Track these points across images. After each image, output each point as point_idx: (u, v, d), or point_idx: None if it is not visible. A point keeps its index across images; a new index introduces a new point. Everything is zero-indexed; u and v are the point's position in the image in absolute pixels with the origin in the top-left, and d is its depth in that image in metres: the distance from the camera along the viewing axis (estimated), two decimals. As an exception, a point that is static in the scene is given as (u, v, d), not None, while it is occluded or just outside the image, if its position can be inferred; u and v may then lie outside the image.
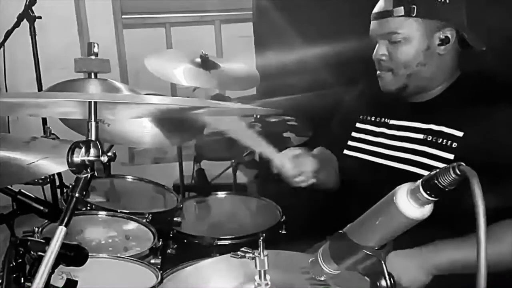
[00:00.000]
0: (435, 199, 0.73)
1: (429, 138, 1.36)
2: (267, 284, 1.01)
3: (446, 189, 0.71)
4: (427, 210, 0.75)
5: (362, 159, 1.51)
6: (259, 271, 1.01)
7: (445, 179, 0.70)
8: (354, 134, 1.57)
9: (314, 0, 2.51)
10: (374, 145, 1.50)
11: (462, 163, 0.70)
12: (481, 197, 0.65)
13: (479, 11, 1.41)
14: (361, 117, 1.57)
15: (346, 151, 1.58)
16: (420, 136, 1.38)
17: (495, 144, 1.25)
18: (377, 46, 1.40)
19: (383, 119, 1.51)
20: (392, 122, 1.48)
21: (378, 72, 1.43)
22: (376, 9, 1.39)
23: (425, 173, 1.32)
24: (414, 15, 1.31)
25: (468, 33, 1.35)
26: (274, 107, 1.14)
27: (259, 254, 1.00)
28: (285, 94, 2.43)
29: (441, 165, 1.31)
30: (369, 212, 0.83)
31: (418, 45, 1.33)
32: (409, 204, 0.75)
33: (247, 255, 1.02)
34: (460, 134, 1.31)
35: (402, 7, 1.31)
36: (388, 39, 1.36)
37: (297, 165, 1.42)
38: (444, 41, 1.33)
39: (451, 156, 1.31)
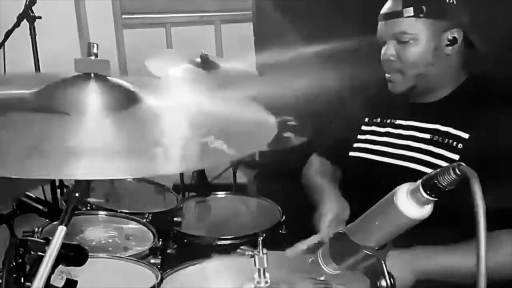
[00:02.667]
0: (435, 199, 0.73)
1: (435, 138, 1.37)
2: (266, 282, 1.01)
3: (446, 189, 0.71)
4: (427, 210, 0.75)
5: (368, 159, 1.51)
6: (259, 269, 1.01)
7: (445, 179, 0.70)
8: (359, 136, 1.57)
9: (314, 0, 2.51)
10: (379, 144, 1.50)
11: (462, 163, 0.70)
12: (481, 197, 0.65)
13: (484, 13, 1.42)
14: (366, 119, 1.58)
15: (351, 153, 1.57)
16: (427, 135, 1.39)
17: (499, 147, 1.25)
18: (385, 46, 1.40)
19: (388, 120, 1.51)
20: (398, 121, 1.48)
21: (387, 75, 1.44)
22: (384, 10, 1.40)
23: (430, 171, 1.33)
24: (423, 15, 1.32)
25: (474, 34, 1.36)
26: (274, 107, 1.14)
27: (258, 252, 1.00)
28: (285, 94, 2.43)
29: (445, 164, 1.31)
30: (369, 212, 0.83)
31: (427, 45, 1.34)
32: (409, 204, 0.75)
33: (246, 253, 1.02)
34: (466, 136, 1.32)
35: (411, 8, 1.33)
36: (397, 39, 1.37)
37: (336, 224, 1.39)
38: (452, 41, 1.34)
39: (456, 157, 1.31)
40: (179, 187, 2.80)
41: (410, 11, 1.33)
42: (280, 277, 1.09)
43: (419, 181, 0.74)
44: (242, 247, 1.04)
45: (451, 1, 1.33)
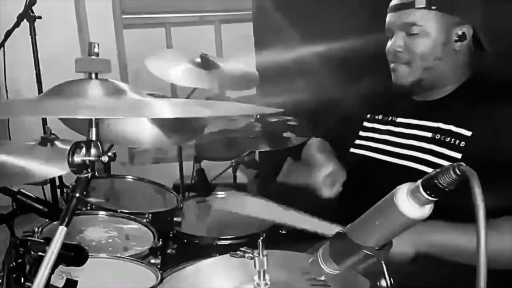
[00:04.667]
0: (435, 199, 0.73)
1: (437, 136, 1.36)
2: (266, 284, 1.01)
3: (446, 189, 0.71)
4: (427, 210, 0.75)
5: (369, 157, 1.51)
6: (259, 271, 1.01)
7: (445, 179, 0.70)
8: (361, 133, 1.57)
9: (314, 0, 2.51)
10: (380, 142, 1.50)
11: (462, 163, 0.70)
12: (481, 197, 0.65)
13: (491, 12, 1.41)
14: (368, 116, 1.57)
15: (352, 149, 1.58)
16: (428, 134, 1.38)
17: (503, 144, 1.25)
18: (393, 38, 1.40)
19: (389, 117, 1.51)
20: (399, 120, 1.48)
21: (392, 65, 1.42)
22: (394, 1, 1.40)
23: (431, 171, 1.33)
24: (434, 8, 1.32)
25: (483, 33, 1.36)
26: (274, 107, 1.14)
27: (258, 254, 1.00)
28: (285, 94, 2.43)
29: (448, 163, 1.31)
30: (369, 212, 0.83)
31: (436, 38, 1.34)
32: (409, 204, 0.75)
33: (246, 255, 1.02)
34: (468, 133, 1.31)
35: None
36: (406, 30, 1.36)
37: (332, 183, 1.47)
38: (461, 37, 1.34)
39: (458, 155, 1.31)
40: (179, 187, 2.81)
41: (422, 2, 1.32)
42: (279, 278, 1.09)
43: (419, 181, 0.74)
44: (242, 248, 1.03)
45: None
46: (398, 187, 0.77)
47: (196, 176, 2.36)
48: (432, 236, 1.23)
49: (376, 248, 0.82)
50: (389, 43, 1.41)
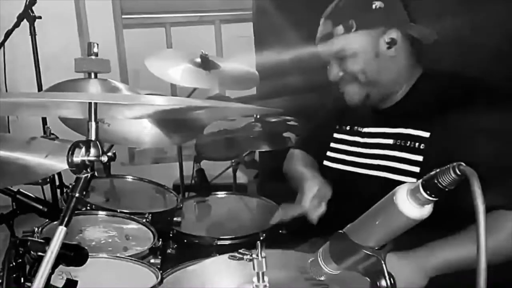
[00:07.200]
0: (435, 199, 0.73)
1: (398, 142, 1.36)
2: (265, 286, 1.00)
3: (446, 189, 0.71)
4: (427, 210, 0.75)
5: (341, 170, 1.52)
6: (257, 273, 1.00)
7: (445, 179, 0.70)
8: (332, 144, 1.58)
9: (314, 0, 2.51)
10: (350, 155, 1.51)
11: (462, 163, 0.70)
12: (481, 197, 0.65)
13: (417, 5, 1.40)
14: (337, 127, 1.58)
15: (326, 162, 1.58)
16: (390, 141, 1.39)
17: (461, 142, 1.23)
18: (328, 68, 1.42)
19: (356, 127, 1.52)
20: (364, 130, 1.49)
21: (341, 89, 1.44)
22: (318, 34, 1.42)
23: (398, 177, 1.34)
24: (354, 29, 1.33)
25: (412, 28, 1.35)
26: (274, 107, 1.14)
27: (257, 255, 1.00)
28: (285, 94, 2.43)
29: (411, 167, 1.32)
30: (369, 212, 0.83)
31: (367, 55, 1.35)
32: (409, 204, 0.75)
33: (245, 256, 1.01)
34: (426, 134, 1.31)
35: (341, 26, 1.34)
36: (337, 57, 1.39)
37: (318, 204, 1.45)
38: (391, 43, 1.34)
39: (420, 158, 1.31)
40: (179, 187, 2.81)
41: (340, 29, 1.34)
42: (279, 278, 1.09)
43: (419, 181, 0.74)
44: (240, 250, 1.03)
45: (378, 7, 1.32)
46: (398, 187, 0.77)
47: (196, 176, 2.35)
48: (435, 259, 1.23)
49: (376, 248, 0.82)
50: (328, 73, 1.43)
